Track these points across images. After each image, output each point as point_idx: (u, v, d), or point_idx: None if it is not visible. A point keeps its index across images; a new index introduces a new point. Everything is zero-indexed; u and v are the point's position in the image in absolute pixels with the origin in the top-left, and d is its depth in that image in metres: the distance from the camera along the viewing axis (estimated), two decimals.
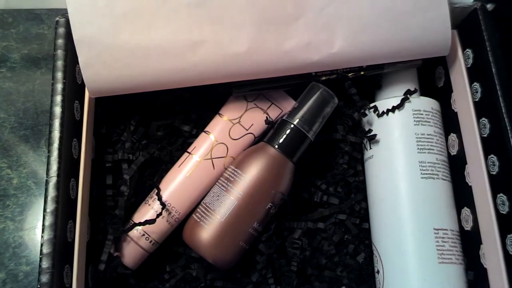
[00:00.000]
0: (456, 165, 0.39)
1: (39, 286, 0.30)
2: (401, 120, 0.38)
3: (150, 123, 0.41)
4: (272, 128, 0.39)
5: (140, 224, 0.36)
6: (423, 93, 0.40)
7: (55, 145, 0.33)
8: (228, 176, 0.37)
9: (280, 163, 0.37)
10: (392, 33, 0.36)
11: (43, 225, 0.31)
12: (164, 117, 0.41)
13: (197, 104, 0.41)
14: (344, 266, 0.40)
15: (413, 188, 0.37)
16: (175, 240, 0.39)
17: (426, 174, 0.37)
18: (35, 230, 0.43)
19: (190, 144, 0.40)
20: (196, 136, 0.41)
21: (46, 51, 0.48)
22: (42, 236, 0.31)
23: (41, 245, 0.31)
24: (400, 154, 0.38)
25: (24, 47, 0.48)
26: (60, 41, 0.36)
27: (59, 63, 0.35)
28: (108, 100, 0.38)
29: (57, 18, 0.36)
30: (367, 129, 0.40)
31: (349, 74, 0.39)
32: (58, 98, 0.34)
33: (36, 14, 0.50)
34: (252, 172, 0.36)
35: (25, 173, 0.44)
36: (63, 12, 0.48)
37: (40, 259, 0.31)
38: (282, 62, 0.36)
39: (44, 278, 0.30)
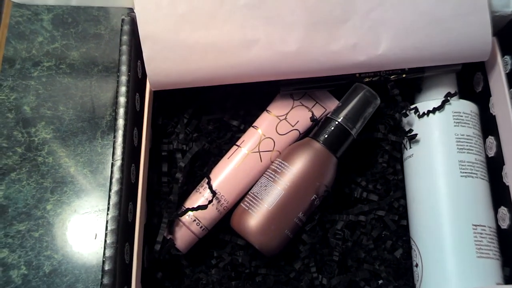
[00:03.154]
0: (493, 166, 0.40)
1: (103, 259, 0.33)
2: (441, 121, 0.40)
3: (201, 117, 0.43)
4: (317, 125, 0.41)
5: (193, 209, 0.38)
6: (462, 97, 0.42)
7: (120, 131, 0.36)
8: (276, 168, 0.39)
9: (324, 157, 0.39)
10: (433, 37, 0.38)
11: (108, 203, 0.34)
12: (214, 112, 0.44)
13: (245, 101, 0.44)
14: (382, 261, 0.41)
15: (453, 186, 0.38)
16: (223, 228, 0.41)
17: (465, 173, 0.38)
18: (90, 215, 0.45)
19: (238, 138, 0.43)
20: (244, 131, 0.43)
21: (103, 50, 0.52)
22: (107, 214, 0.34)
23: (106, 222, 0.33)
24: (440, 153, 0.39)
25: (82, 46, 0.52)
26: (125, 38, 0.39)
27: (124, 58, 0.38)
28: (164, 94, 0.41)
29: (122, 17, 0.39)
30: (407, 129, 0.42)
31: (391, 77, 0.41)
32: (123, 89, 0.37)
33: (94, 16, 0.53)
34: (298, 165, 0.39)
35: (81, 162, 0.47)
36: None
37: (105, 235, 0.33)
38: (329, 62, 0.38)
39: (109, 252, 0.33)
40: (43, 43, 0.52)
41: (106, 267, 0.32)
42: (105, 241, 0.33)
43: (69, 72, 0.50)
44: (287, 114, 0.42)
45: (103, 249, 0.33)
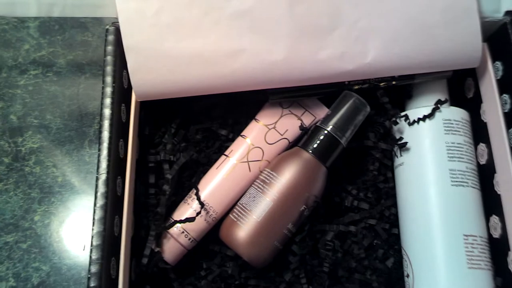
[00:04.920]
0: (485, 174, 0.40)
1: (89, 275, 0.32)
2: (432, 129, 0.40)
3: (189, 127, 0.43)
4: (306, 134, 0.41)
5: (181, 221, 0.38)
6: (453, 104, 0.42)
7: (105, 144, 0.35)
8: (264, 179, 0.39)
9: (314, 167, 0.39)
10: (423, 45, 0.38)
11: (93, 218, 0.33)
12: (202, 121, 0.43)
13: (233, 110, 0.43)
14: (373, 270, 0.41)
15: (443, 195, 0.38)
16: (211, 239, 0.41)
17: (456, 181, 0.38)
18: (78, 226, 0.45)
19: (226, 147, 0.42)
20: (232, 140, 0.43)
21: (90, 57, 0.51)
22: (92, 229, 0.33)
23: (92, 237, 0.33)
24: (431, 161, 0.39)
25: (69, 53, 0.51)
26: (109, 48, 0.38)
27: (109, 68, 0.38)
28: (150, 104, 0.40)
29: (107, 26, 0.38)
30: (397, 137, 0.41)
31: (381, 84, 0.41)
32: (108, 101, 0.37)
33: (81, 22, 0.53)
34: (287, 175, 0.38)
35: (69, 172, 0.47)
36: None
37: (91, 251, 0.33)
38: (317, 71, 0.38)
39: (94, 269, 0.32)
40: (29, 51, 0.51)
41: (92, 284, 0.32)
42: (90, 257, 0.33)
43: (56, 80, 0.50)
44: (276, 122, 0.41)
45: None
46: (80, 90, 0.50)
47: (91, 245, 0.33)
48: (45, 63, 0.50)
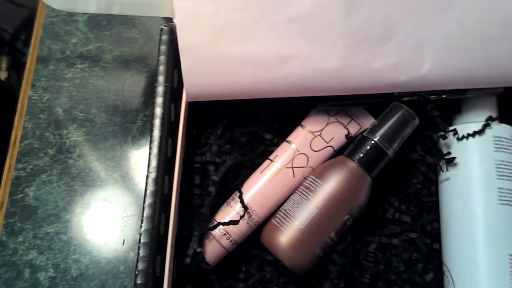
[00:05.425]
0: None
1: (136, 272, 0.33)
2: (481, 146, 0.39)
3: (234, 129, 0.43)
4: (352, 143, 0.40)
5: (225, 223, 0.38)
6: (502, 121, 0.41)
7: (156, 143, 0.36)
8: (309, 185, 0.39)
9: (359, 177, 0.39)
10: (480, 60, 0.37)
11: (142, 216, 0.34)
12: (247, 124, 0.43)
13: (279, 115, 0.43)
14: (412, 284, 0.40)
15: (490, 213, 0.37)
16: (251, 242, 0.41)
17: (504, 200, 0.37)
18: (118, 220, 0.45)
19: (270, 151, 0.42)
20: (277, 144, 0.43)
21: (136, 54, 0.51)
22: (140, 227, 0.34)
23: (140, 234, 0.33)
24: (479, 178, 0.38)
25: (116, 49, 0.52)
26: (163, 47, 0.39)
27: (162, 68, 0.38)
28: (198, 105, 0.41)
29: (161, 26, 0.39)
30: (445, 152, 0.41)
31: (431, 97, 0.40)
32: (160, 100, 0.37)
33: (129, 19, 0.53)
34: (332, 183, 0.38)
35: (111, 167, 0.47)
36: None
37: (138, 248, 0.33)
38: (369, 80, 0.38)
39: (141, 266, 0.33)
40: (77, 45, 0.52)
41: (139, 281, 0.32)
42: (138, 254, 0.33)
43: (102, 75, 0.50)
44: (322, 130, 0.41)
45: (135, 261, 0.33)
46: (125, 86, 0.50)
47: (139, 242, 0.33)
48: (92, 58, 0.51)
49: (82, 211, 0.46)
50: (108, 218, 0.46)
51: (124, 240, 0.45)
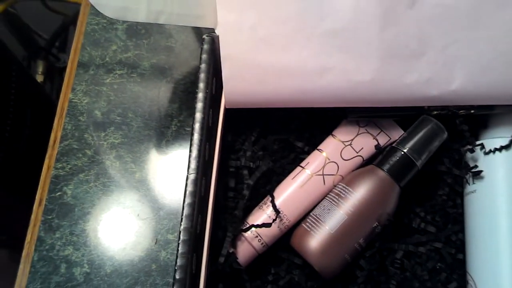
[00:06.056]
0: None
1: (175, 268, 0.34)
2: (508, 160, 0.40)
3: (267, 137, 0.45)
4: (381, 153, 0.42)
5: (258, 226, 0.40)
6: None
7: (195, 145, 0.38)
8: (339, 192, 0.40)
9: (388, 186, 0.40)
10: (508, 77, 0.39)
11: (182, 214, 0.35)
12: (280, 132, 0.45)
13: (310, 124, 0.45)
14: None
15: None
16: (280, 246, 0.42)
17: None
18: (151, 220, 0.47)
19: (301, 159, 0.44)
20: (307, 152, 0.44)
21: (172, 62, 0.54)
22: (180, 225, 0.35)
23: (179, 232, 0.35)
24: (505, 192, 0.40)
25: (153, 57, 0.54)
26: (204, 56, 0.41)
27: (203, 75, 0.40)
28: (234, 112, 0.42)
29: (203, 36, 0.41)
30: (471, 165, 0.42)
31: (460, 111, 0.42)
32: (200, 105, 0.39)
33: (166, 28, 0.56)
34: (362, 191, 0.40)
35: (146, 169, 0.49)
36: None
37: (178, 245, 0.35)
38: (402, 94, 0.39)
39: (180, 262, 0.34)
40: (116, 52, 0.54)
41: (178, 276, 0.34)
42: (177, 250, 0.35)
43: (139, 81, 0.53)
44: (352, 140, 0.43)
45: (174, 258, 0.34)
46: (161, 92, 0.52)
47: (179, 239, 0.35)
48: (130, 64, 0.53)
49: (117, 210, 0.48)
50: (142, 217, 0.47)
51: (156, 240, 0.47)
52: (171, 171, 0.49)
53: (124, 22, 0.56)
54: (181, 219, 0.35)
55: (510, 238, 0.38)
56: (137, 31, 0.55)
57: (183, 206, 0.36)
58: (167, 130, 0.51)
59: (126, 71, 0.53)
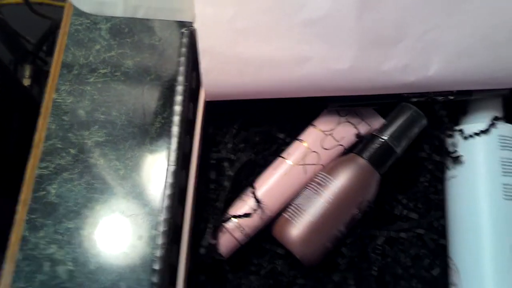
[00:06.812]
0: None
1: (154, 259, 0.34)
2: (487, 144, 0.41)
3: (249, 129, 0.45)
4: (362, 142, 0.42)
5: (239, 216, 0.40)
6: (508, 120, 0.42)
7: (175, 138, 0.38)
8: (319, 181, 0.40)
9: (368, 173, 0.40)
10: (488, 62, 0.39)
11: (162, 206, 0.36)
12: (261, 124, 0.45)
13: (291, 114, 0.45)
14: (419, 278, 0.42)
15: (495, 208, 0.39)
16: (262, 237, 0.42)
17: (509, 195, 0.39)
18: (137, 217, 0.47)
19: (283, 150, 0.44)
20: (289, 143, 0.44)
21: (156, 60, 0.54)
22: (159, 216, 0.35)
23: (158, 223, 0.35)
24: (484, 175, 0.40)
25: (137, 55, 0.54)
26: (183, 50, 0.41)
27: (182, 69, 0.40)
28: (214, 106, 0.43)
29: (182, 30, 0.41)
30: (452, 151, 0.42)
31: (439, 98, 0.42)
32: (179, 98, 0.39)
33: (150, 27, 0.56)
34: (342, 179, 0.40)
35: (130, 166, 0.49)
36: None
37: (157, 236, 0.35)
38: (380, 81, 0.40)
39: (159, 253, 0.34)
40: (100, 51, 0.54)
41: (157, 267, 0.34)
42: (157, 241, 0.35)
43: (123, 80, 0.53)
44: (333, 129, 0.43)
45: (154, 249, 0.35)
46: (145, 90, 0.53)
47: (158, 230, 0.35)
48: (114, 63, 0.54)
49: (102, 208, 0.48)
50: (127, 214, 0.47)
51: (141, 236, 0.47)
52: (155, 168, 0.49)
53: (107, 21, 0.56)
54: (161, 210, 0.35)
55: (490, 222, 0.38)
56: (121, 30, 0.56)
57: (162, 198, 0.36)
58: (151, 128, 0.51)
59: (109, 70, 0.53)
